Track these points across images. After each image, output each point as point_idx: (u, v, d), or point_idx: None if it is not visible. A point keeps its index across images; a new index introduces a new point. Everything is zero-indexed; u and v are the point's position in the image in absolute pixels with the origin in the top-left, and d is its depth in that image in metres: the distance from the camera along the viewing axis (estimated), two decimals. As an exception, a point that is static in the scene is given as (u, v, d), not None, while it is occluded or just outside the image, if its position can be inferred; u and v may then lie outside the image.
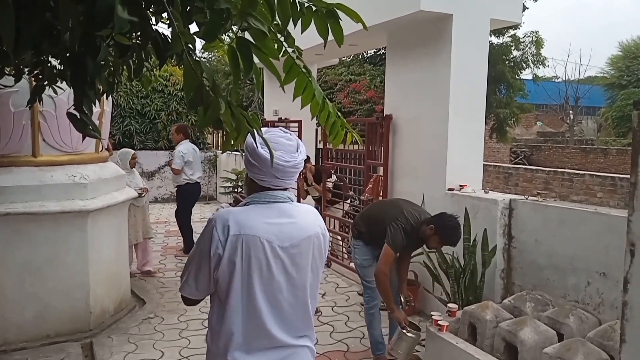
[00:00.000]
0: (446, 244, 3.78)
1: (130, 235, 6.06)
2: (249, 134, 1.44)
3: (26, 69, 1.97)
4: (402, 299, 4.05)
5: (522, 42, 18.47)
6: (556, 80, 31.42)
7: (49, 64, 1.93)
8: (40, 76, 2.00)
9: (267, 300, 1.70)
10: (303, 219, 1.79)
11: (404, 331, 3.71)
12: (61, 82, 1.98)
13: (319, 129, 9.08)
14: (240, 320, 1.69)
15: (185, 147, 7.36)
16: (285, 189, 1.81)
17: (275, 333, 1.72)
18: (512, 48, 18.42)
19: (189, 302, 1.83)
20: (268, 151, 1.64)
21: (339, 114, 1.81)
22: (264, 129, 1.76)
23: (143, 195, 6.16)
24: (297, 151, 1.77)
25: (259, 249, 1.67)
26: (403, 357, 3.74)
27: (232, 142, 1.47)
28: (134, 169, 6.32)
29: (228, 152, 10.65)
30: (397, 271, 4.12)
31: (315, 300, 1.87)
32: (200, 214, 11.13)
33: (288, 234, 1.73)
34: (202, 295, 1.78)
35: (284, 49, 1.49)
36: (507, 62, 18.05)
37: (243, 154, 1.79)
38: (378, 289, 3.84)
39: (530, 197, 4.45)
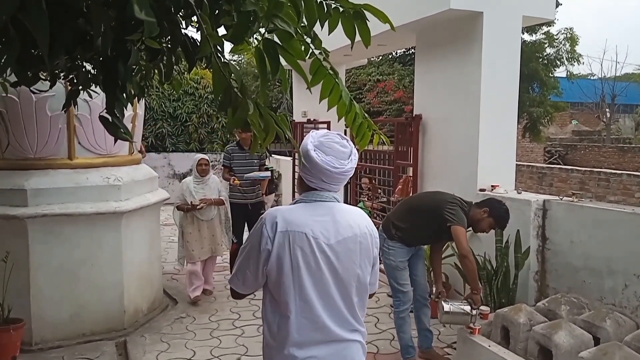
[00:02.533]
0: (497, 226, 3.84)
1: (194, 251, 5.35)
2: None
3: (61, 74, 2.02)
4: (435, 291, 4.06)
5: (556, 40, 18.07)
6: (592, 78, 30.61)
7: (83, 69, 1.96)
8: (74, 80, 2.04)
9: (319, 295, 1.76)
10: (349, 218, 1.85)
11: (474, 310, 3.68)
12: (95, 86, 2.02)
13: (348, 129, 9.07)
14: (294, 315, 1.75)
15: None
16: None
17: (330, 326, 1.78)
18: (546, 45, 18.04)
19: (236, 295, 1.92)
20: (318, 155, 1.76)
21: (366, 115, 1.81)
22: (322, 132, 1.86)
23: (199, 207, 5.27)
24: (349, 158, 1.83)
25: (306, 244, 1.74)
26: (445, 320, 3.75)
27: (261, 143, 1.47)
28: (207, 177, 5.49)
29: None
30: (431, 264, 4.06)
31: (365, 299, 1.92)
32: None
33: (334, 231, 1.79)
34: (248, 290, 1.88)
35: (310, 50, 1.49)
36: (540, 60, 17.69)
37: (270, 156, 1.83)
38: (469, 269, 3.71)
39: (564, 198, 4.35)
